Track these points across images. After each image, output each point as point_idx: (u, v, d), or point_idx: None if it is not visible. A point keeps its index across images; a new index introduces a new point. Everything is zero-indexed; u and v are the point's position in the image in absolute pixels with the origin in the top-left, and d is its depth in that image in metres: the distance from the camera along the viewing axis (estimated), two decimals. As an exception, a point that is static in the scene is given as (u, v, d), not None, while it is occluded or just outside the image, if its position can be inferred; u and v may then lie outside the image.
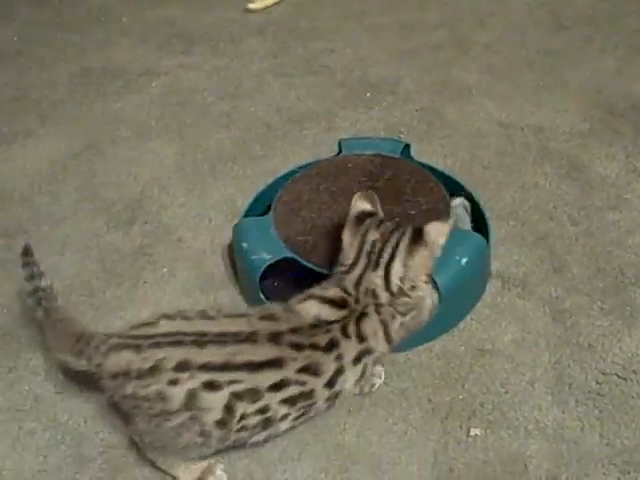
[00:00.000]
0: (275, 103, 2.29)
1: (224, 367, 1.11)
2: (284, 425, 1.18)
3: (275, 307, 1.22)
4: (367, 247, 1.24)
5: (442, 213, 1.53)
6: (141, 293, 1.64)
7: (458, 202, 1.63)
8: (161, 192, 1.95)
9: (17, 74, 2.58)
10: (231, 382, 1.11)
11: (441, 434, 1.31)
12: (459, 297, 1.47)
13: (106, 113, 2.31)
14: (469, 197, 1.65)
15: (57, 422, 1.38)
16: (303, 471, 1.27)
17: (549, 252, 1.65)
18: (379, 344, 1.22)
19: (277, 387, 1.13)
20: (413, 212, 1.54)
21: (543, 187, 1.85)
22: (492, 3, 2.79)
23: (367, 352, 1.20)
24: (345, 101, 2.27)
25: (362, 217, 1.28)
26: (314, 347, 1.15)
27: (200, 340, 1.13)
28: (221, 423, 1.12)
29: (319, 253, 1.46)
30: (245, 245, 1.53)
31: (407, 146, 1.78)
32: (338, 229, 1.33)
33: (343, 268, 1.26)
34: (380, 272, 1.22)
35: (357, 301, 1.22)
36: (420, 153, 1.86)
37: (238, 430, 1.15)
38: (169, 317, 1.19)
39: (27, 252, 1.39)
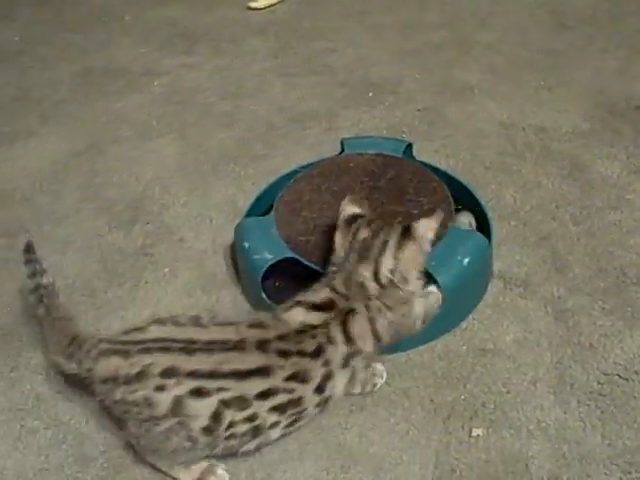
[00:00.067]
0: (277, 103, 2.29)
1: (212, 375, 1.11)
2: (275, 433, 1.18)
3: (265, 315, 1.23)
4: (357, 244, 1.27)
5: (445, 213, 1.53)
6: (142, 293, 1.64)
7: (463, 218, 1.62)
8: (163, 192, 1.95)
9: (19, 74, 2.59)
10: (219, 390, 1.11)
11: (443, 434, 1.31)
12: (461, 297, 1.47)
13: (108, 113, 2.32)
14: (471, 204, 1.65)
15: (59, 421, 1.39)
16: (304, 471, 1.27)
17: (551, 252, 1.65)
18: (367, 344, 1.21)
19: (265, 395, 1.12)
20: (415, 212, 1.54)
21: (545, 187, 1.84)
22: (492, 3, 2.79)
23: (355, 354, 1.20)
24: (347, 101, 2.27)
25: (352, 220, 1.30)
26: (301, 354, 1.15)
27: (189, 347, 1.13)
28: (207, 430, 1.12)
29: (321, 253, 1.46)
30: (247, 245, 1.53)
31: (409, 145, 1.78)
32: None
33: (334, 268, 1.28)
34: (369, 265, 1.24)
35: (346, 298, 1.22)
36: (422, 153, 1.86)
37: (227, 438, 1.15)
38: (160, 322, 1.20)
39: (29, 249, 1.39)
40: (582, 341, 1.44)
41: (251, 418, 1.13)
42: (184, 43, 2.71)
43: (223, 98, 2.34)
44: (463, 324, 1.50)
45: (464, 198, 1.67)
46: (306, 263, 1.44)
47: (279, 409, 1.14)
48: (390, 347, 1.33)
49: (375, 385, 1.38)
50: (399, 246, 1.25)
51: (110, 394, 1.17)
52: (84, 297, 1.64)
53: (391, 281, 1.23)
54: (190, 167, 2.04)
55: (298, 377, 1.14)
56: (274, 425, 1.16)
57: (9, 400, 1.43)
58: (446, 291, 1.38)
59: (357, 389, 1.36)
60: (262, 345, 1.15)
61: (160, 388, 1.11)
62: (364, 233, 1.27)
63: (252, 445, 1.19)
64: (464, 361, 1.43)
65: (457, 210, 1.58)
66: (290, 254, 1.47)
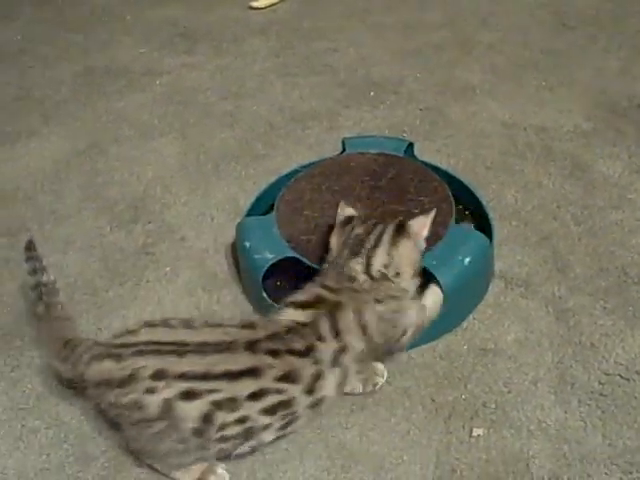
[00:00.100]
0: (278, 102, 2.29)
1: (204, 377, 1.11)
2: (268, 436, 1.17)
3: (257, 317, 1.23)
4: (351, 240, 1.29)
5: (446, 212, 1.53)
6: (144, 292, 1.64)
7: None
8: (164, 191, 1.95)
9: (20, 73, 2.59)
10: (210, 391, 1.11)
11: (444, 434, 1.31)
12: (462, 297, 1.46)
13: (109, 112, 2.32)
14: (472, 203, 1.65)
15: (60, 421, 1.39)
16: (305, 470, 1.27)
17: (552, 252, 1.65)
18: (354, 339, 1.19)
19: (255, 396, 1.12)
20: (416, 211, 1.53)
21: (546, 187, 1.84)
22: (493, 3, 2.79)
23: (344, 350, 1.18)
24: (348, 100, 2.27)
25: (348, 221, 1.34)
26: (291, 352, 1.15)
27: (180, 350, 1.13)
28: (198, 432, 1.12)
29: (322, 252, 1.46)
30: (248, 244, 1.53)
31: (411, 145, 1.78)
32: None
33: (326, 265, 1.31)
34: (361, 259, 1.25)
35: (336, 293, 1.22)
36: (423, 152, 1.86)
37: (219, 440, 1.15)
38: (151, 325, 1.20)
39: (30, 246, 1.39)
40: (583, 341, 1.44)
41: (242, 420, 1.13)
42: (185, 43, 2.71)
43: (224, 98, 2.34)
44: (464, 324, 1.50)
45: (465, 198, 1.67)
46: (307, 262, 1.44)
47: (269, 411, 1.13)
48: (387, 352, 1.32)
49: (376, 384, 1.38)
50: (393, 242, 1.27)
51: (104, 398, 1.18)
52: (86, 296, 1.64)
53: (384, 275, 1.24)
54: (191, 166, 2.04)
55: (289, 377, 1.14)
56: (266, 427, 1.15)
57: (10, 399, 1.43)
58: (447, 291, 1.38)
59: (358, 389, 1.36)
60: (252, 345, 1.14)
61: (150, 391, 1.11)
62: (358, 230, 1.30)
63: (245, 448, 1.19)
64: (465, 361, 1.43)
65: (455, 222, 1.55)
66: (291, 253, 1.47)
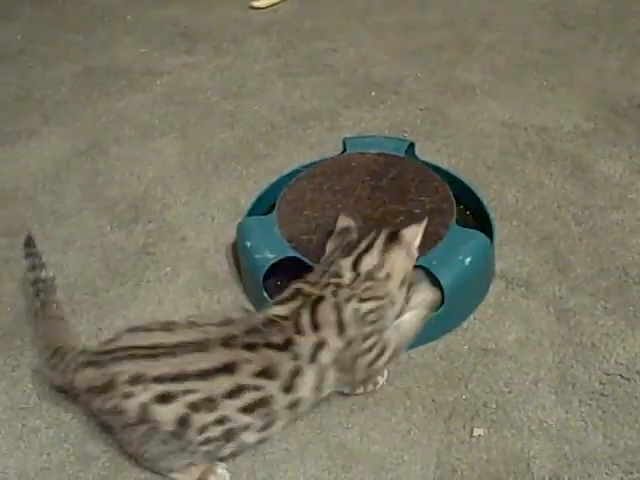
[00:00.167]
0: (279, 102, 2.29)
1: (177, 377, 1.11)
2: (249, 437, 1.17)
3: (236, 313, 1.24)
4: (344, 244, 1.31)
5: (446, 212, 1.53)
6: (144, 292, 1.64)
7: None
8: (164, 191, 1.95)
9: (20, 73, 2.59)
10: (186, 392, 1.11)
11: (444, 434, 1.31)
12: (463, 297, 1.46)
13: (109, 112, 2.32)
14: (473, 203, 1.65)
15: (60, 420, 1.39)
16: (306, 470, 1.27)
17: (553, 252, 1.65)
18: (331, 334, 1.18)
19: (233, 394, 1.12)
20: (417, 211, 1.54)
21: (547, 187, 1.84)
22: (494, 3, 2.79)
23: (322, 345, 1.17)
24: (349, 100, 2.27)
25: (344, 231, 1.36)
26: (268, 346, 1.15)
27: (154, 353, 1.13)
28: (177, 435, 1.12)
29: (322, 252, 1.46)
30: (249, 244, 1.53)
31: (412, 145, 1.78)
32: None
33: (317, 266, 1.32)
34: (351, 258, 1.26)
35: (319, 287, 1.22)
36: (424, 152, 1.86)
37: (202, 443, 1.14)
38: (132, 330, 1.20)
39: (29, 243, 1.39)
40: (584, 341, 1.44)
41: (221, 420, 1.12)
42: (186, 43, 2.71)
43: (225, 98, 2.34)
44: (465, 324, 1.50)
45: (466, 198, 1.67)
46: (308, 262, 1.44)
47: (248, 409, 1.13)
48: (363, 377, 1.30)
49: (376, 384, 1.37)
50: (385, 249, 1.27)
51: (91, 404, 1.20)
52: (86, 296, 1.64)
53: (370, 273, 1.24)
54: (192, 166, 2.04)
55: (266, 373, 1.13)
56: (246, 428, 1.15)
57: (11, 399, 1.43)
58: (448, 291, 1.38)
59: (358, 389, 1.36)
60: (228, 341, 1.14)
61: (128, 395, 1.11)
62: (352, 236, 1.33)
63: (227, 450, 1.19)
64: (465, 361, 1.43)
65: (458, 221, 1.54)
66: (292, 253, 1.47)
